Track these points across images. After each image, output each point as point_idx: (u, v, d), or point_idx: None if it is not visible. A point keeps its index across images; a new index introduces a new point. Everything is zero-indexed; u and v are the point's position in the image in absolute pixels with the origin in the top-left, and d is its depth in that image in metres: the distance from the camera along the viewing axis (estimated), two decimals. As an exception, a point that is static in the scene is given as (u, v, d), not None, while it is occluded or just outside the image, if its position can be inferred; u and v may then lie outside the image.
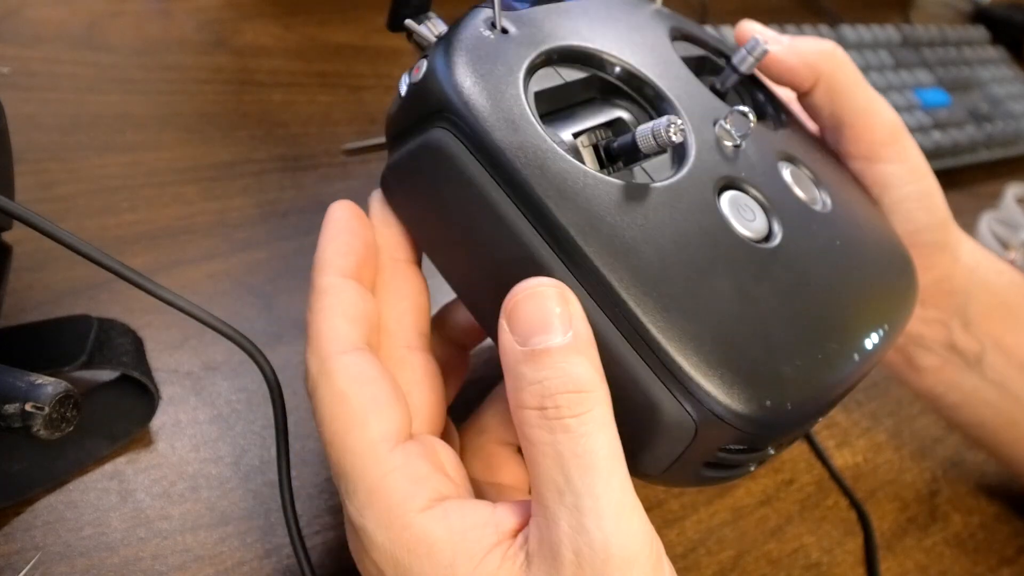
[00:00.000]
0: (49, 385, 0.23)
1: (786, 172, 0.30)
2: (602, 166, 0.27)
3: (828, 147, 0.35)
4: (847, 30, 0.73)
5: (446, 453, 0.24)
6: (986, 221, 0.66)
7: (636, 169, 0.27)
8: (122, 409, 0.31)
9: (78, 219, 0.37)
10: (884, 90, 0.70)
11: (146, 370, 0.31)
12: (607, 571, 0.20)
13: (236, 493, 0.31)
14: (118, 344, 0.31)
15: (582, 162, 0.25)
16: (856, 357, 0.26)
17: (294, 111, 0.47)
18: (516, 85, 0.25)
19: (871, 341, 0.27)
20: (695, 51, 0.34)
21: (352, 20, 0.55)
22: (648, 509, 0.34)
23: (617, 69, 0.29)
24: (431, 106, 0.25)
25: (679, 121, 0.24)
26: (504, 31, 0.27)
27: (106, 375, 0.31)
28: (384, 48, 0.54)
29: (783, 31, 0.67)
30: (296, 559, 0.27)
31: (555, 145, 0.24)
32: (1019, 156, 0.77)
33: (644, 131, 0.25)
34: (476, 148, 0.24)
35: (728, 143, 0.28)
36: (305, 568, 0.27)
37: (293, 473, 0.32)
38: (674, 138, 0.24)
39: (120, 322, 0.32)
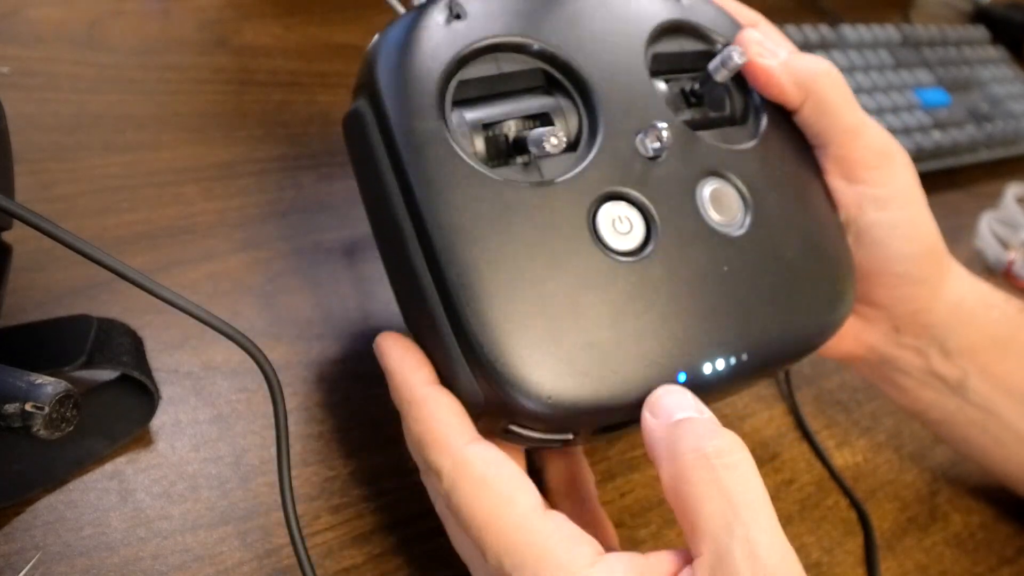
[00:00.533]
0: (49, 385, 0.23)
1: (706, 189, 0.30)
2: (511, 157, 0.29)
3: (810, 165, 0.34)
4: (847, 30, 0.73)
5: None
6: (986, 221, 0.66)
7: (541, 164, 0.29)
8: (122, 409, 0.31)
9: (78, 219, 0.37)
10: (884, 90, 0.70)
11: (146, 370, 0.31)
12: None
13: (236, 493, 0.31)
14: (118, 344, 0.31)
15: (489, 152, 0.28)
16: (683, 377, 0.27)
17: (294, 111, 0.47)
18: (434, 72, 0.28)
19: (711, 367, 0.28)
20: (690, 46, 0.34)
21: (352, 20, 0.55)
22: (649, 508, 0.34)
23: (556, 63, 0.30)
24: (364, 77, 0.29)
25: (561, 135, 0.27)
26: (459, 16, 0.29)
27: (106, 375, 0.31)
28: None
29: (783, 31, 0.67)
30: (296, 559, 0.27)
31: (446, 133, 0.27)
32: (1019, 156, 0.77)
33: (534, 137, 0.27)
34: (378, 123, 0.28)
35: (643, 154, 0.29)
36: (306, 568, 0.27)
37: (293, 473, 0.32)
38: (549, 149, 0.27)
39: (120, 322, 0.32)
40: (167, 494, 0.30)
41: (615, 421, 0.28)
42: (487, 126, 0.29)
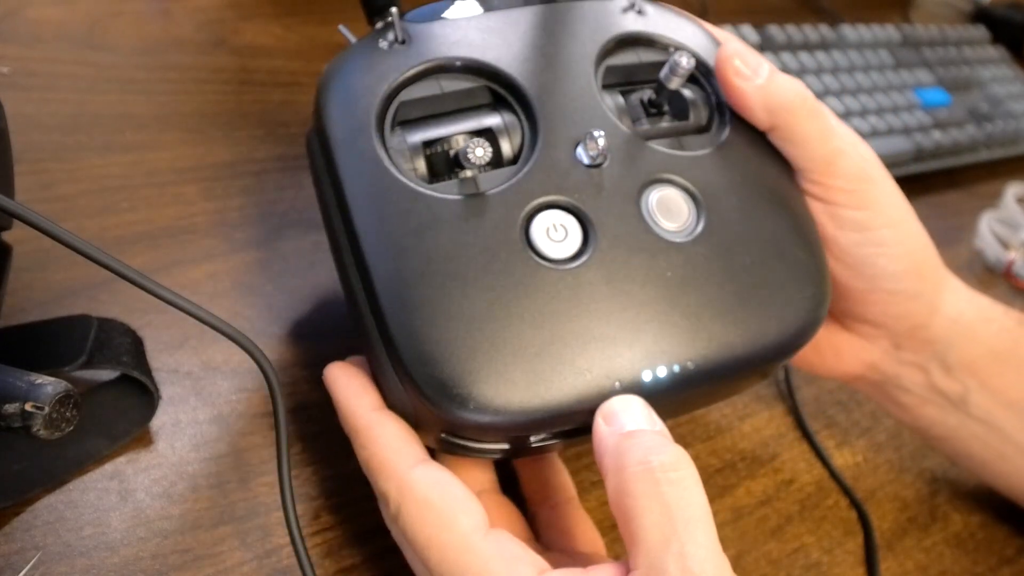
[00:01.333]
0: (49, 385, 0.23)
1: (652, 196, 0.29)
2: (451, 172, 0.29)
3: (779, 170, 0.33)
4: (847, 30, 0.73)
5: (520, 534, 0.28)
6: (986, 221, 0.66)
7: (478, 178, 0.29)
8: (122, 409, 0.31)
9: (78, 219, 0.37)
10: (884, 90, 0.70)
11: (146, 370, 0.31)
12: None
13: (236, 493, 0.31)
14: (118, 344, 0.31)
15: (431, 169, 0.29)
16: (618, 385, 0.26)
17: (294, 111, 0.47)
18: (374, 93, 0.29)
19: (651, 375, 0.27)
20: (647, 57, 0.33)
21: (352, 20, 0.55)
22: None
23: (498, 79, 0.31)
24: (315, 102, 0.30)
25: (487, 147, 0.27)
26: (403, 42, 0.30)
27: (106, 375, 0.31)
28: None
29: (783, 31, 0.67)
30: (296, 558, 0.27)
31: (379, 152, 0.28)
32: (1019, 156, 0.77)
33: (462, 149, 0.28)
34: (320, 144, 0.29)
35: (583, 163, 0.29)
36: (306, 568, 0.27)
37: (293, 473, 0.32)
38: (474, 160, 0.27)
39: (120, 322, 0.32)
40: (167, 494, 0.30)
41: (546, 431, 0.28)
42: (429, 144, 0.29)
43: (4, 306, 0.29)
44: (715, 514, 0.38)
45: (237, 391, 0.34)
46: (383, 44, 0.30)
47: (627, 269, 0.28)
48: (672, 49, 0.33)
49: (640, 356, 0.27)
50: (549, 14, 0.32)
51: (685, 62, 0.30)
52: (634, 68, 0.33)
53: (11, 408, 0.22)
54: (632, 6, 0.34)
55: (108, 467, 0.30)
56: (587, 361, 0.26)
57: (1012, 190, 0.70)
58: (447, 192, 0.28)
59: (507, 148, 0.30)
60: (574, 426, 0.27)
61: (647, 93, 0.32)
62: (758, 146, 0.32)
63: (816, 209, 0.33)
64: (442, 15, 0.32)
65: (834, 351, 0.37)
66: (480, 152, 0.27)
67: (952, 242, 0.65)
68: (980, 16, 0.96)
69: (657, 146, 0.31)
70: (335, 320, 0.38)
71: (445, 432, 0.27)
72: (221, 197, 0.40)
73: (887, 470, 0.44)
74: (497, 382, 0.25)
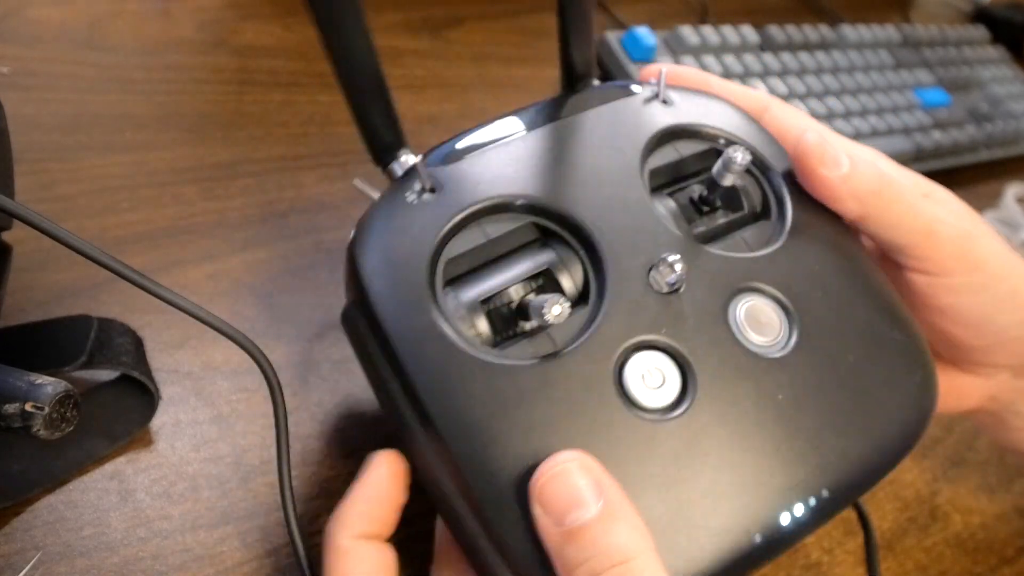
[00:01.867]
0: (49, 385, 0.23)
1: (739, 311, 0.27)
2: (517, 324, 0.27)
3: (849, 245, 0.30)
4: (847, 30, 0.73)
5: None
6: (986, 221, 0.66)
7: (551, 330, 0.26)
8: (122, 409, 0.31)
9: (78, 219, 0.37)
10: (884, 90, 0.70)
11: (146, 370, 0.31)
12: None
13: (236, 493, 0.31)
14: (118, 344, 0.31)
15: (494, 328, 0.26)
16: (758, 538, 0.24)
17: (294, 111, 0.47)
18: (419, 258, 0.26)
19: (789, 516, 0.24)
20: (688, 149, 0.31)
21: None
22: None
23: (542, 213, 0.28)
24: (349, 277, 0.27)
25: (562, 301, 0.24)
26: (432, 191, 0.27)
27: (106, 375, 0.31)
28: (384, 48, 0.54)
29: (783, 31, 0.67)
30: (296, 559, 0.27)
31: (441, 322, 0.25)
32: (1019, 156, 0.77)
33: (533, 306, 0.25)
34: (370, 325, 0.26)
35: (659, 291, 0.26)
36: (305, 568, 0.27)
37: (293, 473, 0.32)
38: (552, 320, 0.24)
39: (120, 322, 0.32)
40: (167, 494, 0.30)
41: None
42: (486, 300, 0.27)
43: (4, 306, 0.29)
44: (715, 514, 0.38)
45: (237, 391, 0.34)
46: (411, 197, 0.27)
47: (737, 403, 0.25)
48: (721, 138, 0.31)
49: (774, 499, 0.24)
50: (574, 128, 0.29)
51: (740, 157, 0.28)
52: (676, 165, 0.30)
53: (11, 408, 0.22)
54: (655, 96, 0.31)
55: (108, 467, 0.30)
56: (721, 519, 0.24)
57: (1012, 190, 0.70)
58: (522, 356, 0.25)
59: (568, 285, 0.27)
60: None
61: (695, 190, 0.30)
62: (825, 228, 0.30)
63: (922, 283, 0.31)
64: (457, 145, 0.29)
65: (955, 394, 0.36)
66: (557, 310, 0.24)
67: (952, 242, 0.64)
68: (980, 16, 0.96)
69: (726, 252, 0.28)
70: (335, 320, 0.38)
71: None
72: (221, 197, 0.40)
73: (887, 470, 0.44)
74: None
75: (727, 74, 0.62)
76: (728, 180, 0.29)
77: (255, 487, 0.31)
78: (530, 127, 0.29)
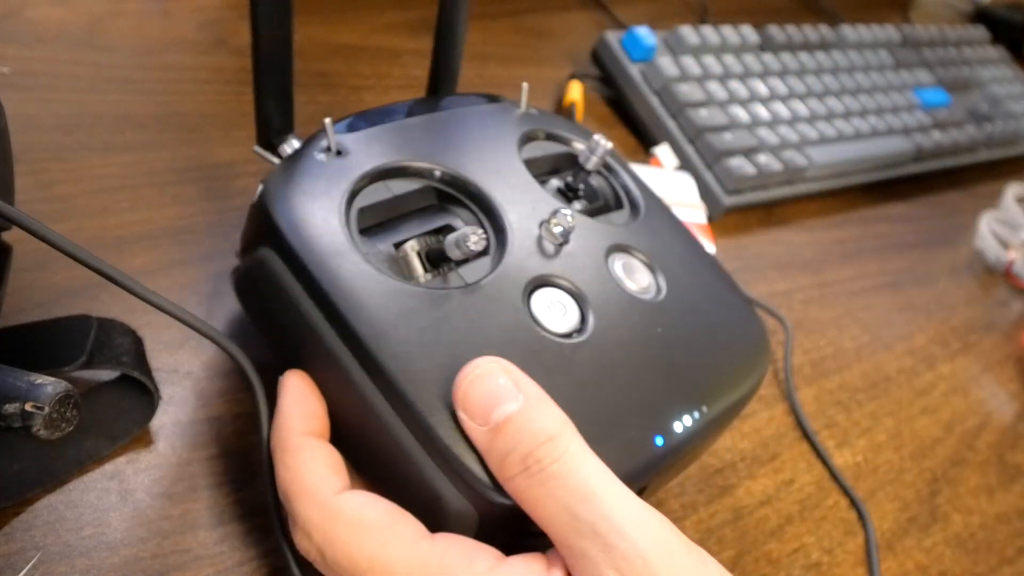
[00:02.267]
0: (49, 385, 0.23)
1: (617, 264, 0.32)
2: (427, 271, 0.29)
3: (691, 238, 0.36)
4: (847, 30, 0.73)
5: None
6: (986, 221, 0.66)
7: (458, 272, 0.29)
8: (122, 409, 0.31)
9: (78, 219, 0.37)
10: (884, 90, 0.70)
11: (146, 370, 0.31)
12: (655, 571, 0.21)
13: (236, 493, 0.31)
14: (118, 344, 0.30)
15: (403, 270, 0.29)
16: (660, 441, 0.27)
17: (294, 111, 0.47)
18: (336, 206, 0.28)
19: (681, 424, 0.28)
20: (555, 149, 0.37)
21: (352, 20, 0.55)
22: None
23: (445, 179, 0.32)
24: (263, 227, 0.28)
25: (480, 231, 0.27)
26: (339, 153, 0.30)
27: (106, 375, 0.31)
28: (384, 48, 0.54)
29: (783, 31, 0.67)
30: (285, 561, 0.27)
31: (363, 259, 0.27)
32: (1019, 156, 0.77)
33: (450, 241, 0.28)
34: (292, 267, 0.27)
35: (551, 242, 0.31)
36: (294, 571, 0.27)
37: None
38: (473, 247, 0.27)
39: (120, 322, 0.32)
40: (167, 494, 0.30)
41: None
42: (398, 245, 0.30)
43: (4, 306, 0.29)
44: (715, 514, 0.38)
45: (237, 391, 0.34)
46: (320, 156, 0.30)
47: (628, 332, 0.30)
48: (576, 144, 0.37)
49: (669, 409, 0.28)
50: (458, 119, 0.34)
51: (604, 142, 0.34)
52: (545, 160, 0.36)
53: (11, 408, 0.22)
54: (529, 109, 0.37)
55: (108, 467, 0.30)
56: (630, 425, 0.27)
57: (1012, 190, 0.70)
58: (439, 286, 0.28)
59: None
60: (638, 489, 0.27)
61: (564, 179, 0.36)
62: (669, 216, 0.37)
63: None
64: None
65: None
66: (475, 238, 0.27)
67: (952, 242, 0.65)
68: (980, 16, 0.96)
69: (596, 221, 0.33)
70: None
71: (511, 527, 0.26)
72: (221, 197, 0.40)
73: (887, 470, 0.44)
74: None
75: (727, 74, 0.62)
76: (591, 164, 0.34)
77: (255, 487, 0.31)
78: (415, 114, 0.34)
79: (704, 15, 0.76)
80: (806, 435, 0.44)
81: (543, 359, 0.27)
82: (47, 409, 0.22)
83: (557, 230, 0.30)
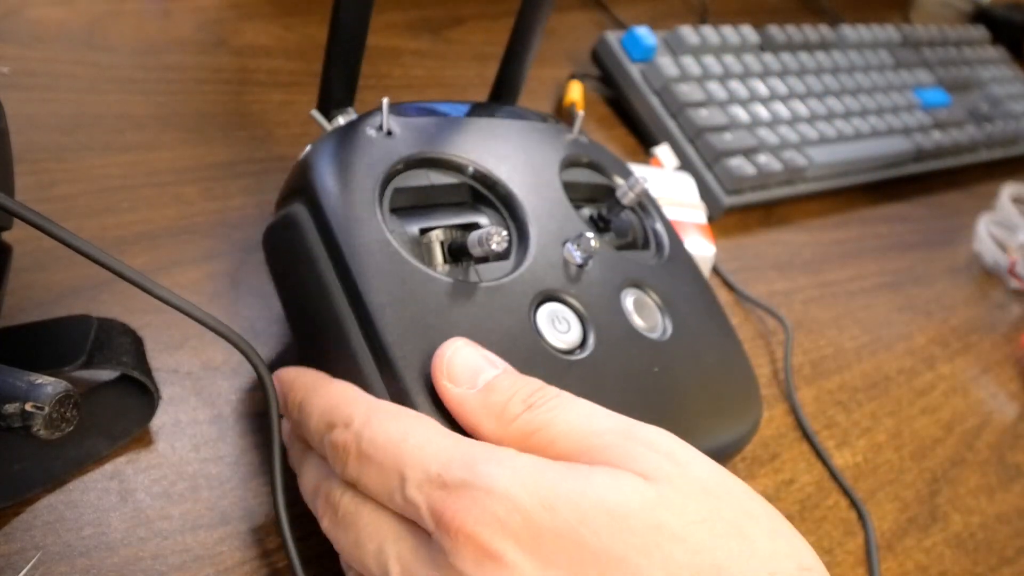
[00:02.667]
0: (49, 385, 0.23)
1: (629, 298, 0.33)
2: (446, 262, 0.30)
3: (705, 286, 0.37)
4: (847, 30, 0.73)
5: None
6: (984, 224, 0.66)
7: (475, 269, 0.30)
8: (122, 409, 0.31)
9: (78, 219, 0.37)
10: (884, 90, 0.70)
11: (146, 370, 0.31)
12: (678, 459, 0.23)
13: (236, 493, 0.31)
14: (118, 344, 0.30)
15: (424, 255, 0.29)
16: None
17: (294, 111, 0.47)
18: (372, 180, 0.29)
19: None
20: (595, 179, 0.37)
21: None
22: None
23: (478, 176, 0.33)
24: (300, 184, 0.30)
25: (504, 233, 0.28)
26: (389, 133, 0.31)
27: (106, 375, 0.31)
28: (384, 48, 0.54)
29: (783, 31, 0.67)
30: (288, 561, 0.27)
31: (387, 234, 0.28)
32: (1019, 156, 0.77)
33: (473, 238, 0.28)
34: (319, 226, 0.28)
35: (570, 262, 0.31)
36: (297, 570, 0.27)
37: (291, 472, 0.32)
38: (495, 247, 0.28)
39: (120, 322, 0.32)
40: (167, 494, 0.30)
41: None
42: (424, 231, 0.30)
43: (4, 306, 0.29)
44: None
45: (237, 391, 0.34)
46: (371, 132, 0.31)
47: (623, 363, 0.30)
48: (615, 178, 0.38)
49: None
50: (507, 129, 0.35)
51: (642, 181, 0.34)
52: (584, 187, 0.36)
53: (11, 408, 0.22)
54: (579, 135, 0.38)
55: (108, 467, 0.30)
56: None
57: (1007, 191, 0.70)
58: (456, 278, 0.29)
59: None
60: None
61: (598, 209, 0.36)
62: (692, 267, 0.37)
63: None
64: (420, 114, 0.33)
65: None
66: (498, 239, 0.28)
67: (952, 243, 0.65)
68: (980, 16, 0.96)
69: (620, 254, 0.34)
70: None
71: None
72: (221, 197, 0.40)
73: (887, 470, 0.44)
74: None
75: (727, 74, 0.62)
76: (628, 200, 0.35)
77: (255, 487, 0.31)
78: (472, 115, 0.35)
79: (704, 15, 0.76)
80: (806, 435, 0.44)
81: (538, 368, 0.27)
82: (47, 409, 0.22)
83: (578, 252, 0.31)
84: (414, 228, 0.30)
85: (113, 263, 0.24)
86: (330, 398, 0.26)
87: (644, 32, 0.59)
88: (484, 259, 0.30)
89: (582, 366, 0.29)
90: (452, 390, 0.25)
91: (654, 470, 0.22)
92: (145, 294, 0.25)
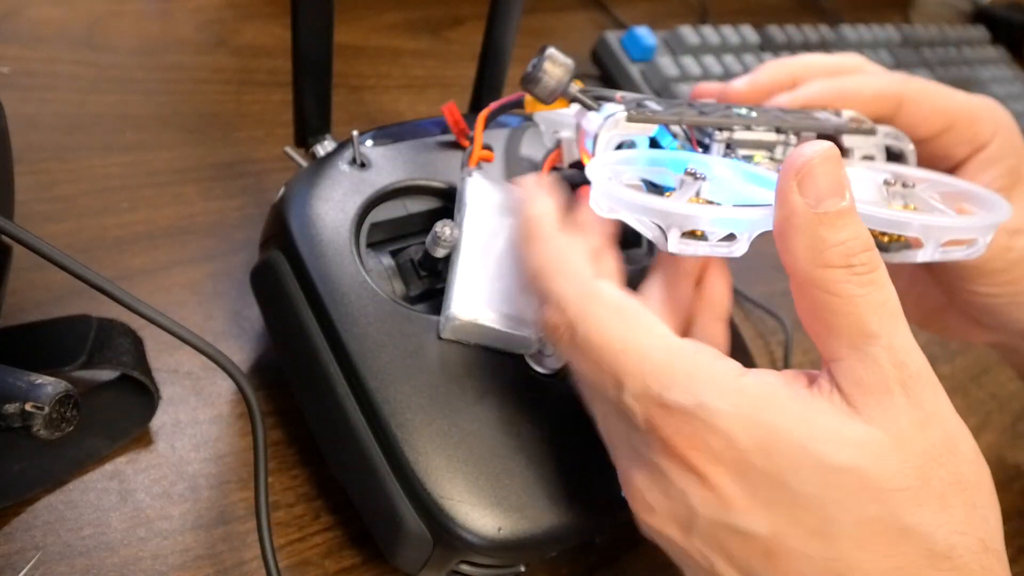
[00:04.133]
0: (49, 385, 0.23)
1: None
2: (420, 276, 0.30)
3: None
4: (847, 30, 0.73)
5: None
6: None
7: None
8: (122, 409, 0.31)
9: (78, 219, 0.37)
10: (884, 90, 0.70)
11: (146, 370, 0.31)
12: (927, 395, 0.22)
13: (236, 493, 0.31)
14: (118, 344, 0.31)
15: (405, 283, 0.30)
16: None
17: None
18: (347, 219, 0.29)
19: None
20: (584, 179, 0.35)
21: (352, 20, 0.55)
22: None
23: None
24: (276, 229, 0.30)
25: (447, 222, 0.28)
26: (363, 165, 0.31)
27: (106, 375, 0.31)
28: (384, 48, 0.54)
29: (783, 31, 0.67)
30: (264, 565, 0.27)
31: (365, 276, 0.28)
32: (1019, 156, 0.77)
33: (429, 243, 0.28)
34: (296, 273, 0.28)
35: None
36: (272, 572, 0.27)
37: (292, 472, 0.32)
38: (449, 233, 0.28)
39: (120, 322, 0.32)
40: (167, 494, 0.30)
41: (568, 545, 0.28)
42: (394, 256, 0.30)
43: (4, 306, 0.29)
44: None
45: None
46: (344, 167, 0.31)
47: None
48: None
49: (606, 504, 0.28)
50: (493, 138, 0.34)
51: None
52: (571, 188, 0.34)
53: (11, 408, 0.22)
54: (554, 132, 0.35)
55: (108, 467, 0.30)
56: (598, 479, 0.27)
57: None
58: (434, 312, 0.28)
59: None
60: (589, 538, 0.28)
61: None
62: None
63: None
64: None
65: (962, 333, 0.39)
66: (447, 231, 0.28)
67: (952, 242, 0.64)
68: (980, 16, 0.96)
69: None
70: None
71: (465, 560, 0.27)
72: (221, 197, 0.40)
73: (887, 470, 0.44)
74: (521, 504, 0.26)
75: (727, 74, 0.62)
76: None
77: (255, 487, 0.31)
78: (446, 131, 0.34)
79: (704, 15, 0.76)
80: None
81: (526, 392, 0.27)
82: (47, 409, 0.22)
83: None
84: (392, 262, 0.30)
85: (88, 274, 0.24)
86: (542, 258, 0.25)
87: (644, 32, 0.59)
88: (442, 265, 0.29)
89: (565, 388, 0.28)
90: (791, 193, 0.23)
91: (889, 421, 0.22)
92: (146, 294, 0.25)
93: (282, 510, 0.31)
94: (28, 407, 0.22)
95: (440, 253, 0.28)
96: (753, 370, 0.23)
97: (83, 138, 0.40)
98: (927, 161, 0.34)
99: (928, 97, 0.34)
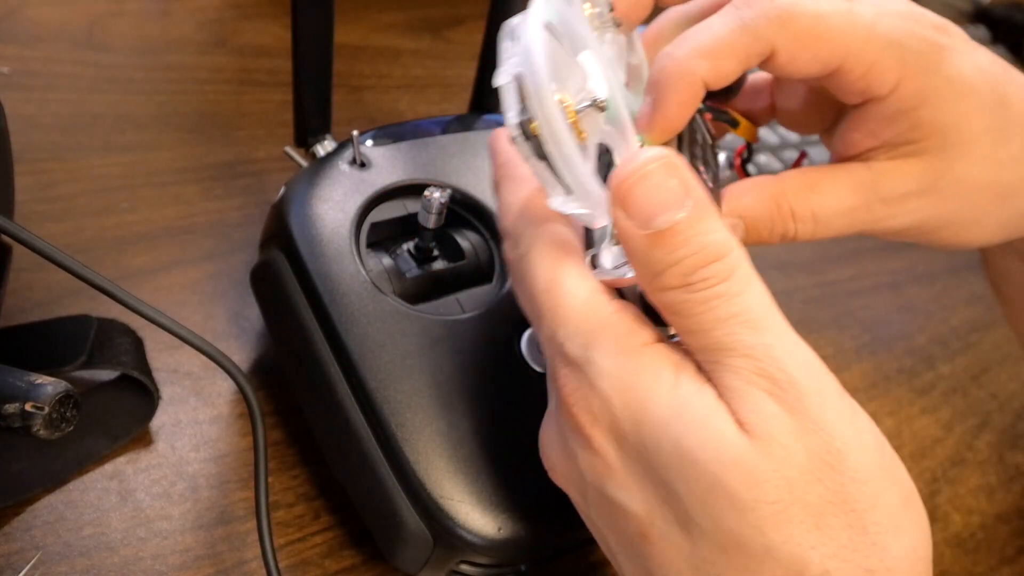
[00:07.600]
0: (49, 385, 0.23)
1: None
2: (419, 266, 0.30)
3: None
4: (847, 30, 0.72)
5: None
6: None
7: (457, 299, 0.29)
8: (122, 409, 0.31)
9: (78, 219, 0.37)
10: (884, 90, 0.70)
11: (146, 370, 0.31)
12: (810, 403, 0.20)
13: (236, 493, 0.31)
14: (118, 344, 0.31)
15: (403, 288, 0.29)
16: None
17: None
18: (347, 220, 0.29)
19: None
20: None
21: (352, 20, 0.55)
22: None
23: (457, 199, 0.31)
24: (276, 228, 0.30)
25: (436, 187, 0.28)
26: (363, 165, 0.31)
27: (106, 375, 0.31)
28: (384, 48, 0.54)
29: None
30: (264, 565, 0.27)
31: (366, 275, 0.28)
32: (1019, 156, 0.77)
33: (422, 214, 0.28)
34: (297, 273, 0.28)
35: None
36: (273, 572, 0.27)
37: (293, 472, 0.32)
38: (439, 197, 0.28)
39: (120, 322, 0.32)
40: (167, 494, 0.30)
41: (568, 545, 0.28)
42: (388, 252, 0.30)
43: (4, 306, 0.29)
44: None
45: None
46: (344, 167, 0.31)
47: None
48: None
49: None
50: (483, 141, 0.33)
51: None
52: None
53: (11, 408, 0.22)
54: None
55: (108, 467, 0.30)
56: None
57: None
58: (434, 312, 0.28)
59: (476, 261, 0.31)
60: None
61: None
62: None
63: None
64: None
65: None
66: (438, 194, 0.28)
67: (952, 242, 0.64)
68: (980, 16, 0.96)
69: None
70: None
71: (465, 560, 0.27)
72: (221, 197, 0.40)
73: (887, 470, 0.44)
74: (521, 504, 0.26)
75: (727, 74, 0.62)
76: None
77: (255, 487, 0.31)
78: (450, 131, 0.34)
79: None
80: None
81: (527, 395, 0.27)
82: (47, 409, 0.22)
83: None
84: (391, 263, 0.30)
85: (87, 272, 0.24)
86: (509, 197, 0.25)
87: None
88: (444, 236, 0.29)
89: None
90: (622, 220, 0.21)
91: (760, 423, 0.20)
92: (146, 294, 0.25)
93: (282, 510, 0.31)
94: (28, 407, 0.22)
95: (432, 223, 0.28)
96: (670, 341, 0.22)
97: (83, 138, 0.40)
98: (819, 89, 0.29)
99: (806, 41, 0.27)
